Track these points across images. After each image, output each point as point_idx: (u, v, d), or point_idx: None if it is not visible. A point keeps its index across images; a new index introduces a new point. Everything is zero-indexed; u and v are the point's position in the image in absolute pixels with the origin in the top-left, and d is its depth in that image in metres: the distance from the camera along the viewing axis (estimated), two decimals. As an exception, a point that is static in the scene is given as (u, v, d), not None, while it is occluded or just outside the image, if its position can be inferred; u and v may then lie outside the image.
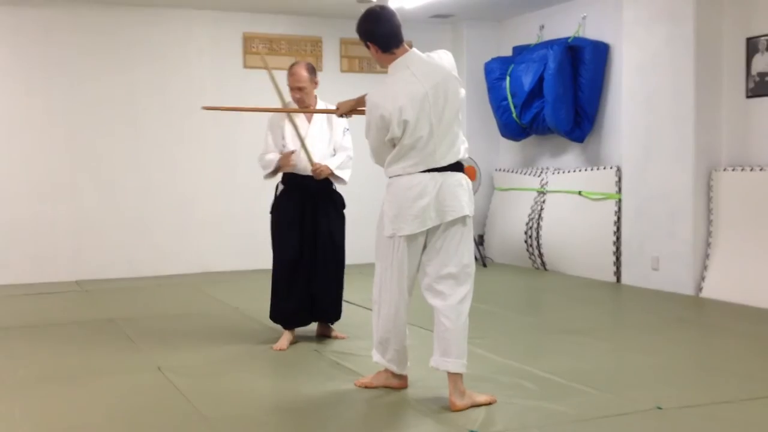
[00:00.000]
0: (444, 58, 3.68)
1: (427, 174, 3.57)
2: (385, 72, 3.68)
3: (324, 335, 5.06)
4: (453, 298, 3.60)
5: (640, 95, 7.05)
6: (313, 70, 4.90)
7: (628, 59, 7.19)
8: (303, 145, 4.74)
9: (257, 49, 8.54)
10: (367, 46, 3.70)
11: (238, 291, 7.17)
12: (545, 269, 8.21)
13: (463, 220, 3.63)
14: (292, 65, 4.93)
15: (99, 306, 6.50)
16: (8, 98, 7.69)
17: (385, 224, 3.69)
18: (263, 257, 8.44)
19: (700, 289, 6.53)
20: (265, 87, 8.43)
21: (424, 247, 3.66)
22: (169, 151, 8.28)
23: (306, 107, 4.82)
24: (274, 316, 4.98)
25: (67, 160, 7.90)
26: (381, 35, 3.63)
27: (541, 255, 8.22)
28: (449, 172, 3.61)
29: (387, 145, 3.63)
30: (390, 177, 3.68)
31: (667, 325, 5.53)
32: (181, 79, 8.31)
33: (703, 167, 6.60)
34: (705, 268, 6.55)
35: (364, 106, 3.77)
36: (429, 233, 3.63)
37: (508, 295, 6.91)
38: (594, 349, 4.80)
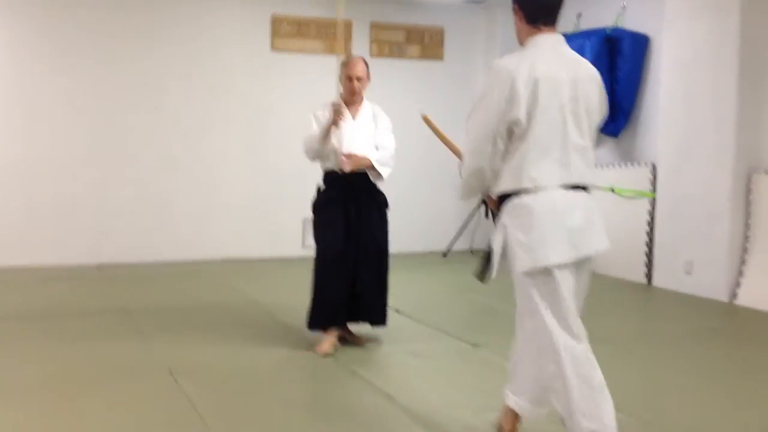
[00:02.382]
0: (594, 69, 3.03)
1: (566, 191, 2.86)
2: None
3: (343, 338, 4.87)
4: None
5: (679, 91, 6.77)
6: (368, 66, 4.81)
7: (669, 53, 6.90)
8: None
9: (285, 32, 8.35)
10: (514, 10, 3.03)
11: (259, 281, 7.07)
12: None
13: (591, 258, 2.95)
14: (347, 59, 4.84)
15: (116, 294, 6.41)
16: (33, 79, 7.61)
17: (518, 256, 2.87)
18: (286, 245, 8.44)
19: (734, 295, 6.28)
20: (293, 70, 8.41)
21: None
22: (194, 134, 8.16)
23: (359, 99, 4.76)
24: (316, 319, 4.68)
25: (90, 142, 7.82)
26: (535, 2, 2.97)
27: (570, 251, 7.99)
28: (583, 192, 2.93)
29: (496, 133, 2.87)
30: (508, 194, 2.92)
31: (700, 337, 5.31)
32: (208, 61, 8.17)
33: (743, 169, 6.33)
34: (740, 274, 6.29)
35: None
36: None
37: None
38: (622, 363, 4.60)
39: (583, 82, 2.94)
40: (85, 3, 7.70)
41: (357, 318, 4.78)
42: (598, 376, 2.93)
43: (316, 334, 4.74)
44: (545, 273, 2.84)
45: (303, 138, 4.74)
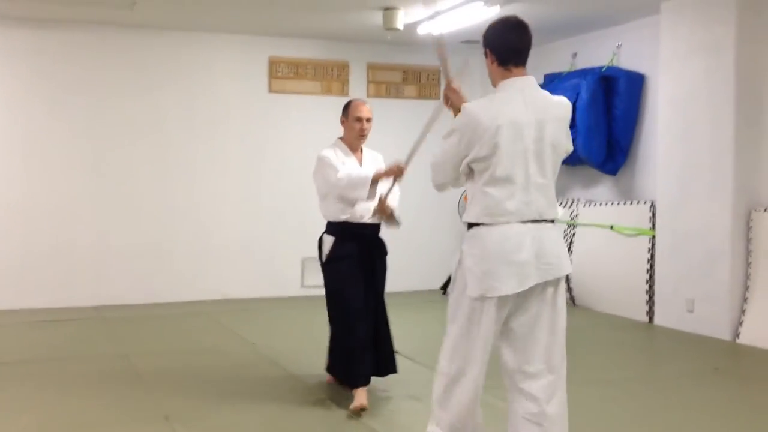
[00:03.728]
0: (563, 106, 3.18)
1: (522, 225, 3.05)
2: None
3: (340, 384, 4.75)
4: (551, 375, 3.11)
5: (676, 128, 6.78)
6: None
7: (665, 91, 6.93)
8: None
9: (282, 74, 8.41)
10: (485, 54, 3.16)
11: (256, 322, 7.02)
12: (574, 304, 7.94)
13: (560, 280, 3.13)
14: (353, 100, 4.71)
15: (114, 338, 6.36)
16: (32, 120, 7.63)
17: (470, 283, 3.08)
18: (285, 284, 8.41)
19: (737, 334, 6.23)
20: (290, 112, 8.44)
21: (515, 308, 3.10)
22: (192, 175, 8.17)
23: (363, 142, 4.64)
24: (351, 376, 4.47)
25: (88, 184, 7.82)
26: (505, 45, 3.10)
27: (570, 290, 7.95)
28: (547, 224, 3.11)
29: (457, 165, 3.10)
30: (473, 225, 3.12)
31: (703, 377, 5.25)
32: (206, 103, 8.20)
33: (743, 206, 6.32)
34: (742, 312, 6.25)
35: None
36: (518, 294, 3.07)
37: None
38: (625, 406, 4.54)
39: (550, 122, 3.09)
40: (83, 45, 7.75)
41: (381, 371, 4.61)
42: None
43: (313, 381, 4.73)
44: (489, 300, 3.05)
45: (336, 180, 4.38)
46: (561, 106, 3.18)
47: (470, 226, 3.14)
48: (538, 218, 3.08)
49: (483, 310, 3.06)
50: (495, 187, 3.04)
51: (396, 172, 4.28)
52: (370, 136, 4.67)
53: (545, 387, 3.08)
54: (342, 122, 4.66)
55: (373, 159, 4.69)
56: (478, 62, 9.75)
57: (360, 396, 4.36)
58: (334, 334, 4.65)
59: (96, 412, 4.32)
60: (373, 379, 4.60)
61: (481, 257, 3.06)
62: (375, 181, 4.31)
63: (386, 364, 4.63)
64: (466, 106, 3.11)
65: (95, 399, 4.57)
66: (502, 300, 3.05)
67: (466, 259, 3.12)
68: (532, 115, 3.05)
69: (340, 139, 4.68)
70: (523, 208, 3.05)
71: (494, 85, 3.18)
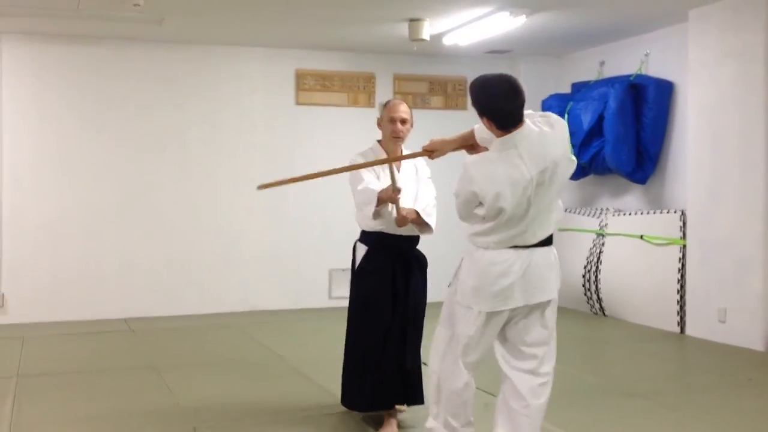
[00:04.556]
0: (558, 132, 3.26)
1: (513, 250, 3.25)
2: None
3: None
4: (536, 375, 3.34)
5: (706, 137, 6.70)
6: (411, 109, 4.34)
7: (694, 99, 6.85)
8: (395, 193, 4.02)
9: (309, 86, 8.44)
10: (483, 120, 3.26)
11: (283, 334, 7.03)
12: (604, 315, 7.86)
13: (548, 302, 3.34)
14: (390, 100, 4.42)
15: (143, 349, 6.41)
16: (63, 135, 7.72)
17: (460, 292, 3.37)
18: (312, 296, 8.42)
19: (771, 345, 6.13)
20: (317, 124, 8.47)
21: (510, 319, 3.33)
22: (218, 187, 8.22)
23: (401, 145, 4.26)
24: (364, 401, 4.23)
25: (116, 198, 7.89)
26: (503, 114, 3.19)
27: (599, 300, 7.88)
28: (538, 248, 3.29)
29: (475, 215, 3.30)
30: (472, 244, 3.35)
31: (736, 388, 5.16)
32: (232, 117, 8.25)
33: (775, 215, 6.21)
34: (776, 322, 6.14)
35: (470, 144, 3.46)
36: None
37: (565, 346, 6.48)
38: (656, 418, 4.48)
39: (552, 166, 3.21)
40: (113, 61, 7.84)
41: (409, 400, 4.24)
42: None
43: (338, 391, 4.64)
44: (478, 311, 3.30)
45: (356, 193, 4.17)
46: (558, 133, 3.27)
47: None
48: (531, 243, 3.27)
49: (471, 318, 3.31)
50: (497, 226, 3.24)
51: (392, 198, 3.99)
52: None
53: (534, 388, 3.32)
54: (378, 123, 4.33)
55: (412, 162, 4.28)
56: (505, 72, 9.66)
57: (390, 425, 4.14)
58: (348, 358, 4.29)
59: (125, 425, 4.34)
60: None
61: (472, 274, 3.32)
62: (382, 200, 4.02)
63: (415, 393, 4.22)
64: (466, 169, 3.27)
65: (125, 411, 4.59)
66: (492, 313, 3.28)
67: (461, 272, 3.40)
68: (533, 168, 3.17)
69: (378, 141, 4.36)
70: (517, 237, 3.25)
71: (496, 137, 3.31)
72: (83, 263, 7.76)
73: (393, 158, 4.11)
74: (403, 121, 4.21)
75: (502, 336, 3.40)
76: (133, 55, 7.91)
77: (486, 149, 3.40)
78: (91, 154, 7.81)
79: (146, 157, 7.98)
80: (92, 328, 7.27)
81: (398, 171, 4.20)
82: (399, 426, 4.21)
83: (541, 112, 3.38)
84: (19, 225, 7.58)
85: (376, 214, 4.07)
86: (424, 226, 4.18)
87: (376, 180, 4.15)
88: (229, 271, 8.22)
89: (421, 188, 4.26)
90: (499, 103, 3.18)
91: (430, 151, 3.68)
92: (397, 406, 4.24)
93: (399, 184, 4.00)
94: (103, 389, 5.10)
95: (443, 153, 3.66)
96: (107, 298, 7.81)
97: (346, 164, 4.21)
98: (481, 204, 3.23)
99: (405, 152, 4.31)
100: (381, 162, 4.11)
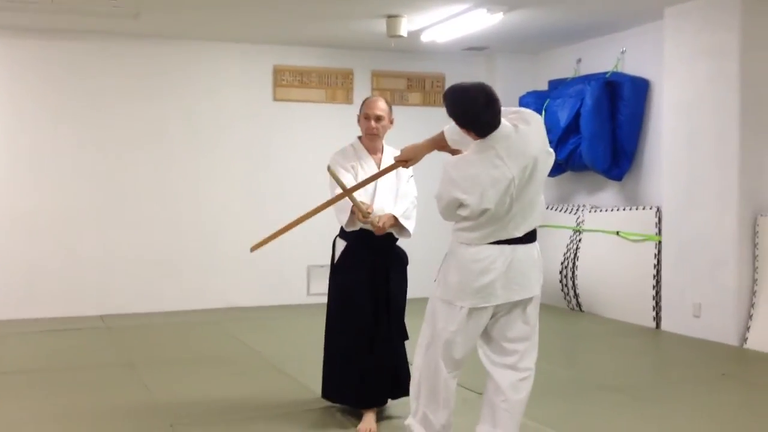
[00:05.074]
0: (534, 128, 3.28)
1: (496, 247, 3.26)
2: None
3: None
4: (516, 370, 3.38)
5: (681, 134, 6.77)
6: (390, 107, 4.31)
7: (669, 96, 6.92)
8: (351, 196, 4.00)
9: (287, 82, 8.42)
10: (459, 126, 3.29)
11: (262, 330, 7.01)
12: (581, 310, 7.92)
13: (530, 299, 3.37)
14: (369, 97, 4.42)
15: (120, 347, 6.36)
16: (38, 129, 7.64)
17: (442, 288, 3.39)
18: (288, 292, 8.40)
19: (744, 339, 6.20)
20: (294, 120, 8.45)
21: (492, 315, 3.35)
22: (196, 183, 8.18)
23: (379, 142, 4.27)
24: (345, 395, 4.25)
25: (93, 194, 7.82)
26: (483, 123, 3.19)
27: (576, 296, 7.93)
28: (521, 245, 3.30)
29: (458, 215, 3.32)
30: (455, 239, 3.36)
31: (711, 382, 5.22)
32: (210, 112, 8.21)
33: (749, 212, 6.29)
34: (750, 317, 6.22)
35: (442, 147, 3.50)
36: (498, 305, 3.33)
37: (542, 341, 6.53)
38: (632, 412, 4.52)
39: (532, 162, 3.22)
40: (88, 55, 7.76)
41: (393, 395, 4.26)
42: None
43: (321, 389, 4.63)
44: (460, 307, 3.31)
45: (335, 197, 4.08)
46: (534, 128, 3.29)
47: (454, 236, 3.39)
48: (514, 237, 3.28)
49: (452, 314, 3.32)
50: (480, 223, 3.25)
51: (361, 217, 4.00)
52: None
53: (514, 383, 3.35)
54: (358, 120, 4.32)
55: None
56: (482, 69, 9.68)
57: (368, 419, 4.13)
58: (329, 352, 4.31)
59: (101, 422, 4.31)
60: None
61: (454, 270, 3.32)
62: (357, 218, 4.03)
63: (403, 387, 4.13)
64: (447, 172, 3.29)
65: (101, 408, 4.56)
66: (474, 309, 3.29)
67: (443, 268, 3.42)
68: (514, 167, 3.20)
69: (359, 138, 4.36)
70: (500, 231, 3.26)
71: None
72: (59, 259, 7.69)
73: (364, 182, 3.98)
74: (378, 118, 4.20)
75: (486, 335, 3.41)
76: (109, 50, 7.83)
77: (459, 151, 3.44)
78: (67, 149, 7.73)
79: (123, 152, 7.92)
80: (67, 324, 7.21)
81: (379, 168, 4.19)
82: (381, 418, 4.23)
83: (514, 108, 3.38)
84: (-7, 221, 7.50)
85: (350, 223, 4.12)
86: (402, 230, 4.20)
87: (354, 182, 4.12)
88: (208, 268, 8.18)
89: (402, 188, 4.26)
90: (476, 114, 3.18)
91: (404, 161, 3.73)
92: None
93: (369, 209, 4.03)
94: (78, 387, 5.06)
95: (418, 160, 3.74)
96: (83, 294, 7.74)
97: (328, 163, 4.21)
98: (463, 205, 3.24)
99: (386, 148, 4.33)
100: (348, 192, 3.94)
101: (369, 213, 4.02)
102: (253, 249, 4.11)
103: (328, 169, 4.06)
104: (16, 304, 7.50)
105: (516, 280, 3.29)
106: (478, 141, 3.24)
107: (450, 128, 3.44)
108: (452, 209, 3.30)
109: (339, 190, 4.01)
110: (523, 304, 3.36)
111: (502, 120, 3.23)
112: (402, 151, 3.77)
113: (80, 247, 7.77)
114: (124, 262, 7.91)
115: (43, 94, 7.65)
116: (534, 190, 3.29)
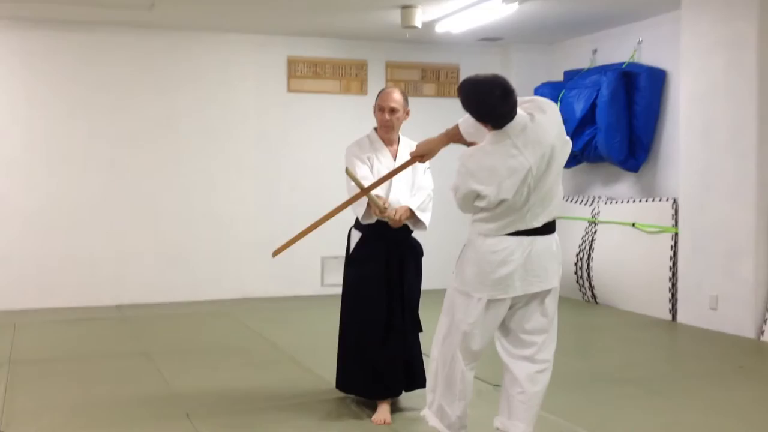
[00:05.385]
0: (550, 116, 3.25)
1: (514, 238, 3.23)
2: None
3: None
4: (534, 362, 3.35)
5: (698, 125, 6.71)
6: (406, 98, 4.27)
7: (686, 87, 6.86)
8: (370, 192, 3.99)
9: (301, 74, 8.42)
10: (476, 119, 3.27)
11: (276, 321, 7.03)
12: (596, 302, 7.89)
13: (548, 291, 3.34)
14: (384, 88, 4.40)
15: (135, 336, 6.40)
16: (52, 120, 7.68)
17: (459, 278, 3.38)
18: (302, 283, 8.41)
19: (761, 332, 6.15)
20: (309, 111, 8.44)
21: (510, 307, 3.33)
22: (210, 174, 8.19)
23: (394, 134, 4.25)
24: (359, 386, 4.26)
25: (108, 182, 7.86)
26: (500, 115, 3.16)
27: (591, 288, 7.90)
28: (540, 236, 3.27)
29: (475, 207, 3.31)
30: (474, 230, 3.34)
31: (727, 376, 5.18)
32: (223, 104, 8.22)
33: (766, 203, 6.24)
34: (767, 310, 6.17)
35: (457, 140, 3.49)
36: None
37: (557, 333, 6.59)
38: (647, 404, 4.49)
39: (550, 151, 3.19)
40: (102, 46, 7.79)
41: (408, 386, 4.26)
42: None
43: (334, 380, 4.62)
44: (477, 299, 3.30)
45: (351, 190, 4.11)
46: (550, 117, 3.25)
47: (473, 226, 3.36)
48: (533, 228, 3.25)
49: (470, 305, 3.30)
50: (498, 213, 3.24)
51: (378, 212, 4.02)
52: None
53: (531, 375, 3.34)
54: (374, 111, 4.29)
55: (409, 154, 4.07)
56: (497, 60, 9.63)
57: (382, 410, 4.12)
58: (344, 344, 4.31)
59: (117, 411, 4.33)
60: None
61: (472, 261, 3.30)
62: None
63: (419, 379, 4.20)
64: (463, 164, 3.27)
65: (117, 397, 4.59)
66: (492, 301, 3.27)
67: (461, 259, 3.39)
68: (531, 157, 3.17)
69: (375, 129, 4.32)
70: (518, 221, 3.24)
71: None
72: (74, 250, 7.73)
73: (381, 180, 3.98)
74: (392, 111, 4.18)
75: (504, 327, 3.40)
76: (123, 42, 7.86)
77: (474, 143, 3.41)
78: (81, 140, 7.76)
79: (137, 143, 7.95)
80: (84, 314, 7.26)
81: (395, 160, 4.21)
82: (396, 410, 4.23)
83: (529, 97, 3.35)
84: (9, 211, 7.54)
85: (367, 216, 4.12)
86: (418, 222, 4.18)
87: (370, 174, 4.13)
88: (222, 259, 8.21)
89: (418, 180, 4.23)
90: (492, 107, 3.15)
91: (420, 156, 3.72)
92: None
93: (386, 204, 4.02)
94: (95, 376, 5.09)
95: (434, 154, 3.73)
96: (99, 284, 7.80)
97: (344, 152, 4.25)
98: (480, 197, 3.22)
99: (402, 139, 4.33)
100: (364, 192, 3.94)
101: (386, 208, 4.01)
102: (275, 254, 4.10)
103: (347, 171, 4.03)
104: (32, 294, 7.56)
105: (534, 272, 3.27)
106: (494, 132, 3.22)
107: (464, 120, 3.42)
108: (469, 201, 3.29)
109: (356, 189, 4.00)
110: (542, 296, 3.33)
111: (518, 110, 3.20)
112: (417, 146, 3.76)
113: (96, 237, 7.81)
114: (139, 252, 7.94)
115: (57, 85, 7.68)
116: (552, 180, 3.25)
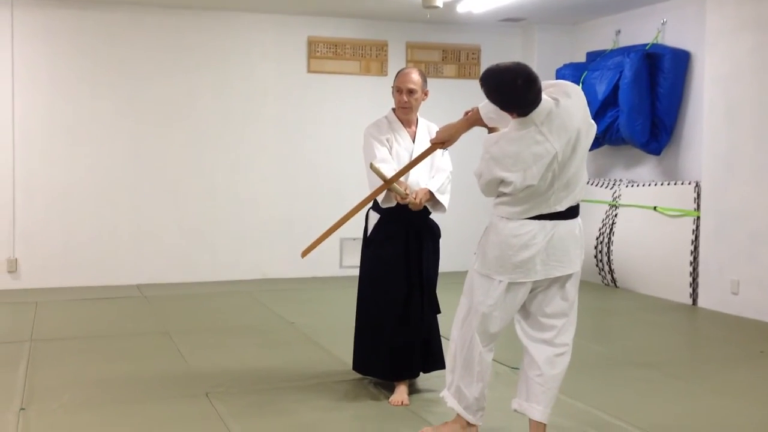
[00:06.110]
0: (575, 101, 3.19)
1: (537, 222, 3.21)
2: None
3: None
4: (553, 346, 3.35)
5: (722, 107, 6.63)
6: (425, 78, 4.24)
7: (710, 69, 6.77)
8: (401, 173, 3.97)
9: (321, 54, 8.39)
10: (501, 108, 3.23)
11: (294, 302, 7.05)
12: (616, 286, 7.84)
13: (570, 275, 3.32)
14: (402, 69, 4.35)
15: (156, 315, 6.45)
16: (74, 101, 7.70)
17: (480, 261, 3.36)
18: (323, 265, 8.42)
19: (783, 317, 6.11)
20: (328, 92, 8.42)
21: (531, 291, 3.32)
22: (230, 155, 8.21)
23: (413, 115, 4.24)
24: (376, 367, 4.26)
25: (129, 162, 7.90)
26: (525, 103, 3.11)
27: (611, 271, 7.86)
28: (563, 220, 3.25)
29: (499, 192, 3.29)
30: (496, 213, 3.32)
31: (748, 361, 5.15)
32: (243, 83, 8.21)
33: (791, 187, 6.16)
34: (790, 295, 6.12)
35: (478, 123, 3.45)
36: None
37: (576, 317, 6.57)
38: (666, 388, 4.47)
39: (575, 136, 3.16)
40: (123, 26, 7.80)
41: (426, 368, 4.28)
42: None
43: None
44: (498, 281, 3.30)
45: (369, 173, 4.09)
46: (575, 101, 3.20)
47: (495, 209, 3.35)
48: (556, 212, 3.23)
49: (490, 288, 3.30)
50: (522, 197, 3.22)
51: (400, 199, 4.01)
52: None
53: (550, 357, 3.34)
54: (392, 92, 4.26)
55: (427, 133, 4.20)
56: (518, 40, 9.56)
57: (400, 391, 4.14)
58: (361, 325, 4.32)
59: (137, 389, 4.38)
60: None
61: (494, 244, 3.29)
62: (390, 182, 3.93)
63: (438, 360, 4.24)
64: (487, 149, 3.24)
65: (137, 375, 4.63)
66: (512, 284, 3.27)
67: (483, 241, 3.37)
68: (557, 143, 3.14)
69: (393, 110, 4.31)
70: (542, 204, 3.22)
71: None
72: (96, 229, 7.80)
73: (403, 170, 3.95)
74: (410, 92, 4.15)
75: (524, 310, 3.39)
76: (146, 21, 7.86)
77: (495, 128, 3.38)
78: (103, 119, 7.80)
79: (159, 123, 7.97)
80: (105, 293, 7.33)
81: (414, 142, 4.20)
82: (413, 391, 4.24)
83: (552, 81, 3.31)
84: (32, 190, 7.60)
85: (386, 200, 4.11)
86: (437, 204, 4.16)
87: (389, 156, 4.12)
88: (242, 239, 8.25)
89: (437, 162, 4.21)
90: (516, 97, 3.11)
91: (441, 143, 3.68)
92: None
93: (407, 190, 4.00)
94: (115, 354, 5.14)
95: (454, 141, 3.68)
96: (120, 263, 7.86)
97: (363, 134, 4.24)
98: (505, 182, 3.20)
99: (420, 121, 4.30)
100: (388, 184, 3.91)
101: (407, 194, 4.00)
102: (303, 254, 4.15)
103: (371, 166, 3.98)
104: (55, 272, 7.64)
105: (556, 257, 3.25)
106: (519, 119, 3.18)
107: (485, 105, 3.37)
108: (494, 187, 3.27)
109: (378, 180, 3.97)
110: (563, 280, 3.31)
111: (543, 95, 3.15)
112: (437, 132, 3.71)
113: (116, 217, 7.86)
114: (160, 232, 7.99)
115: (79, 65, 7.70)
116: (577, 164, 3.21)
